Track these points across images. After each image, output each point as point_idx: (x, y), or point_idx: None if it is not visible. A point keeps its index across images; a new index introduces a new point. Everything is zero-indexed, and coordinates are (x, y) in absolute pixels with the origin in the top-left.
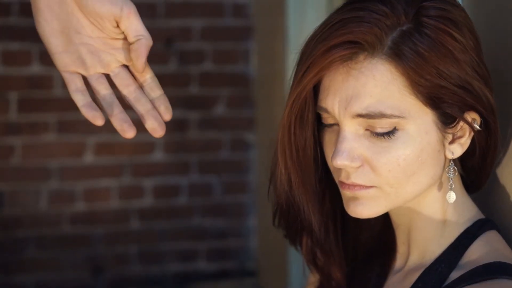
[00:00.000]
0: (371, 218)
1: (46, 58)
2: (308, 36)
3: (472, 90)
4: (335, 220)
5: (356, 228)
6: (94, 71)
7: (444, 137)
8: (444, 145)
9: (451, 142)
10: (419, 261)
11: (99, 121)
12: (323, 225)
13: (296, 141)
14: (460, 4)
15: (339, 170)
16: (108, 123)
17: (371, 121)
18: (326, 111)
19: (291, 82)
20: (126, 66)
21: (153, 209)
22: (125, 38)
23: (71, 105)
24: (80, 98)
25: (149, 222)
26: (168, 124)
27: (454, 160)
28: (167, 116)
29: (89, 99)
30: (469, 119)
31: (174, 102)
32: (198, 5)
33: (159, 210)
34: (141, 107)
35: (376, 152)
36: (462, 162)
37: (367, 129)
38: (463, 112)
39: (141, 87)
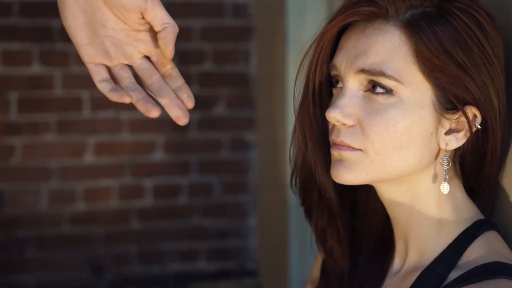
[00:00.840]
0: (373, 217)
1: (46, 58)
2: None
3: (478, 83)
4: (345, 203)
5: (359, 226)
6: (118, 62)
7: (439, 122)
8: (437, 131)
9: (447, 133)
10: (418, 261)
11: (127, 98)
12: (335, 191)
13: (315, 88)
14: (493, 17)
15: (333, 128)
16: (108, 123)
17: (371, 78)
18: (335, 67)
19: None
20: (148, 58)
21: (153, 209)
22: (147, 30)
23: (71, 105)
24: (106, 86)
25: (149, 222)
26: (168, 124)
27: (453, 161)
28: (190, 104)
29: (114, 85)
30: (470, 115)
31: None
32: (198, 5)
33: (159, 210)
34: (165, 96)
35: (369, 113)
36: (461, 166)
37: (367, 90)
38: (464, 103)
39: (163, 77)
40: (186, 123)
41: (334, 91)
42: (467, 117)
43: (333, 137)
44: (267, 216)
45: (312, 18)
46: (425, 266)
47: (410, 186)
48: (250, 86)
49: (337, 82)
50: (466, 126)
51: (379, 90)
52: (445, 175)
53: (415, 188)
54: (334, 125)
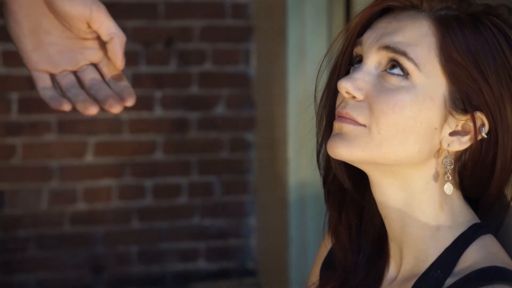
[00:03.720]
0: (372, 220)
1: None
2: None
3: (494, 92)
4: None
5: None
6: (62, 69)
7: (446, 120)
8: (442, 128)
9: (452, 134)
10: (413, 266)
11: (66, 106)
12: (349, 178)
13: (342, 61)
14: None
15: (342, 101)
16: (108, 123)
17: (392, 56)
18: (361, 43)
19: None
20: (94, 64)
21: (153, 209)
22: (94, 38)
23: None
24: (47, 93)
25: (149, 222)
26: (168, 124)
27: (453, 172)
28: (130, 101)
29: (54, 92)
30: (478, 121)
31: (174, 102)
32: (198, 5)
33: (159, 210)
34: (101, 94)
35: (379, 91)
36: (460, 176)
37: (383, 70)
38: (475, 108)
39: (107, 80)
40: (119, 111)
41: (352, 70)
42: (474, 122)
43: (339, 109)
44: (267, 216)
45: (312, 18)
46: (421, 272)
47: (405, 182)
48: (250, 86)
49: (358, 62)
50: (472, 133)
51: (396, 71)
52: (448, 176)
53: (411, 186)
54: (343, 99)
